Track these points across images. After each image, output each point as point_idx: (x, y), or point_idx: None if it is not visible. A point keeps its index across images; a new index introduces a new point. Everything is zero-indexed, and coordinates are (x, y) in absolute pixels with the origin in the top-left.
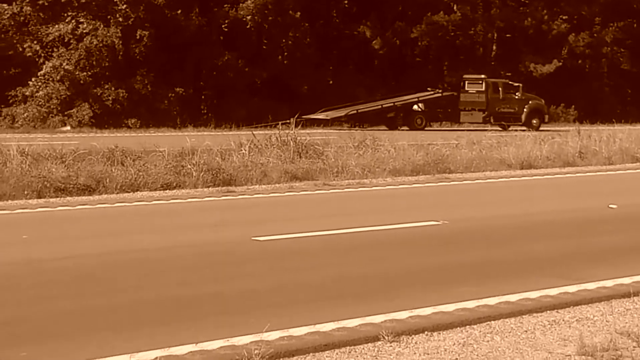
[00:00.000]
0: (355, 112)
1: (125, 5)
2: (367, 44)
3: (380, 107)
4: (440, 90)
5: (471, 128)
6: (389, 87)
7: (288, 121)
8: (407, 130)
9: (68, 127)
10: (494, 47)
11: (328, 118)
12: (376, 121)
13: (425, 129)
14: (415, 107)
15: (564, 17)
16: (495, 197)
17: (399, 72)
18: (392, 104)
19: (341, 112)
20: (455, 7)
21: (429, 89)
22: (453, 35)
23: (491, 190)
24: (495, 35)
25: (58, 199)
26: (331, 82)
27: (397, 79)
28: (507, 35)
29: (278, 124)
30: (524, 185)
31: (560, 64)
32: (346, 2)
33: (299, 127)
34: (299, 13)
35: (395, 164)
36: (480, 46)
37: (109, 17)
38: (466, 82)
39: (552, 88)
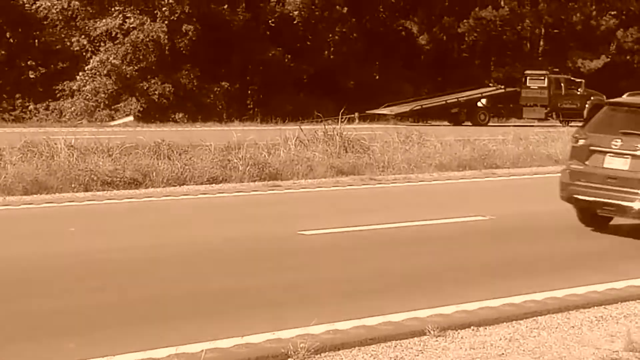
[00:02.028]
0: (419, 107)
1: (171, 0)
2: (414, 39)
3: (444, 102)
4: (503, 86)
5: (534, 124)
6: (435, 83)
7: (353, 115)
8: (470, 125)
9: (131, 118)
10: (542, 43)
11: (392, 113)
12: (439, 116)
13: (489, 124)
14: (479, 103)
15: (612, 13)
16: (541, 192)
17: (445, 68)
18: (455, 100)
19: (405, 108)
20: (502, 2)
21: (490, 84)
22: (500, 30)
23: (538, 186)
24: (543, 30)
25: (105, 192)
26: (377, 77)
27: (444, 75)
28: (555, 31)
29: (339, 118)
30: None
31: (609, 59)
32: None
33: (359, 121)
34: (345, 8)
35: (441, 159)
36: (527, 42)
37: (155, 11)
38: (528, 77)
39: (600, 84)
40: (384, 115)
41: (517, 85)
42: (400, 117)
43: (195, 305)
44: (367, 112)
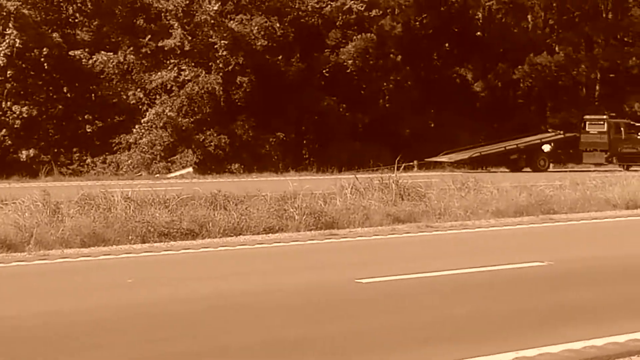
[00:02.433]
0: (478, 154)
1: (225, 52)
2: (469, 86)
3: (503, 149)
4: (562, 132)
5: (591, 169)
6: (490, 130)
7: (411, 163)
8: (529, 171)
9: (190, 169)
10: (597, 87)
11: (452, 161)
12: (498, 163)
13: (548, 170)
14: (543, 147)
15: None
16: (600, 237)
17: (500, 114)
18: (515, 146)
19: (465, 155)
20: (557, 48)
21: (550, 130)
22: (556, 76)
23: (596, 231)
24: (599, 75)
25: (162, 243)
26: (432, 124)
27: (499, 121)
28: (611, 75)
29: (394, 166)
30: (630, 226)
31: None
32: (447, 45)
33: (417, 169)
34: (399, 56)
35: (498, 205)
36: (583, 86)
37: (210, 63)
38: (587, 122)
39: None
40: (441, 162)
41: (576, 130)
42: (459, 165)
43: (253, 355)
44: (425, 159)
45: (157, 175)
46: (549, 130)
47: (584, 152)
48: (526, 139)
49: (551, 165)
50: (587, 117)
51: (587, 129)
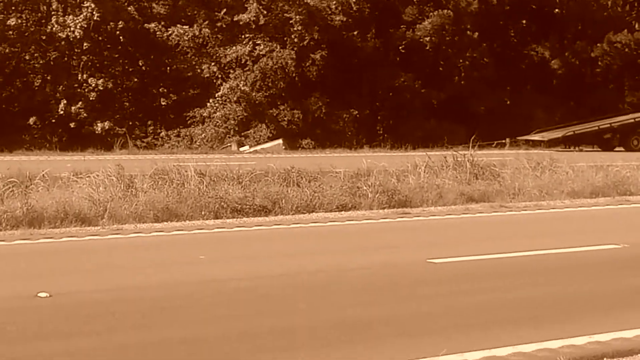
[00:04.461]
0: (572, 133)
1: (301, 27)
2: (546, 63)
3: (597, 128)
4: None
5: None
6: (567, 108)
7: (503, 141)
8: (622, 151)
9: (247, 147)
10: None
11: (545, 139)
12: (591, 142)
13: None
14: None
15: None
16: None
17: (577, 93)
18: (608, 125)
19: (558, 134)
20: (637, 25)
21: None
22: (635, 54)
23: None
24: None
25: (234, 219)
26: (508, 102)
27: (576, 100)
28: None
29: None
30: None
31: None
32: (524, 21)
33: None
34: (476, 33)
35: (573, 185)
36: None
37: (285, 38)
38: None
39: None
40: (531, 141)
41: None
42: (552, 143)
43: (323, 333)
44: (517, 137)
45: (246, 147)
46: None
47: None
48: (620, 118)
49: None
50: None
51: None
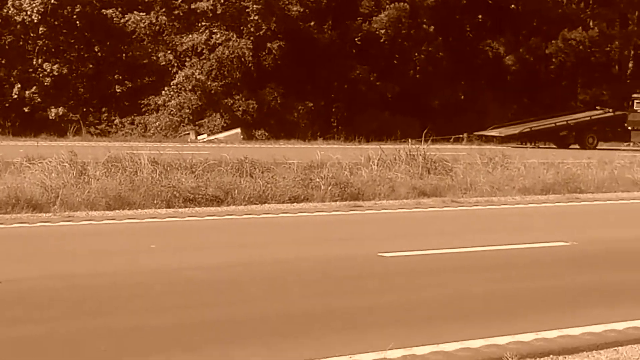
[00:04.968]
0: (529, 129)
1: (257, 16)
2: (500, 59)
3: (553, 125)
4: (611, 110)
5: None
6: (521, 104)
7: (460, 136)
8: (578, 148)
9: (205, 136)
10: (630, 65)
11: (502, 135)
12: (547, 139)
13: (597, 148)
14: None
15: None
16: (626, 218)
17: (531, 89)
18: (565, 122)
19: (514, 130)
20: (591, 23)
21: (598, 107)
22: (589, 52)
23: (623, 212)
24: (632, 52)
25: (187, 209)
26: (462, 97)
27: (530, 96)
28: None
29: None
30: None
31: None
32: (480, 16)
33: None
34: (432, 27)
35: (525, 182)
36: (615, 63)
37: (241, 27)
38: (635, 101)
39: None
40: (487, 136)
41: (623, 108)
42: (509, 139)
43: (273, 325)
44: (475, 133)
45: (204, 136)
46: (598, 107)
47: (633, 130)
48: (576, 116)
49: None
50: (636, 95)
51: (634, 108)
